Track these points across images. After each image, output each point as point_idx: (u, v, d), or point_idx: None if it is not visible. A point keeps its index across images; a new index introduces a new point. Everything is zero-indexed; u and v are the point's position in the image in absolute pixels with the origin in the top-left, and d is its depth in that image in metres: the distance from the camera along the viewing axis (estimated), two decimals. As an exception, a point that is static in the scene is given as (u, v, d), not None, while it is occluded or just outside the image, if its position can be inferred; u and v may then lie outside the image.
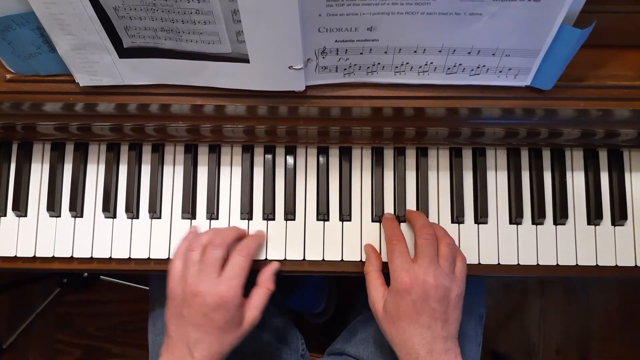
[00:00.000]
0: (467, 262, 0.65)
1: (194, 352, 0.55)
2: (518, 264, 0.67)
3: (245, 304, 0.60)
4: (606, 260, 0.67)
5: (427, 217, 0.67)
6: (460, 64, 0.53)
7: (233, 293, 0.57)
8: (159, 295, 0.74)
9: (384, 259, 0.64)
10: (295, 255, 0.67)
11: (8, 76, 0.57)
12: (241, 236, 0.64)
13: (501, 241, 0.67)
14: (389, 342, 0.59)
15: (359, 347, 0.74)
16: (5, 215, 0.68)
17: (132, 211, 0.67)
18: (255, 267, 0.65)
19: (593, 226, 0.68)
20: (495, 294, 1.45)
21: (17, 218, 0.68)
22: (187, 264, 0.59)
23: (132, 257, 0.67)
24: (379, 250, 0.66)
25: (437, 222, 0.67)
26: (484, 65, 0.53)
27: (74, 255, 0.67)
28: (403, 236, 0.62)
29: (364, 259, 0.66)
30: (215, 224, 0.68)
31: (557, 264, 0.66)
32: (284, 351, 0.76)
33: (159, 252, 0.67)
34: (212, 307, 0.56)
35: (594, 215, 0.67)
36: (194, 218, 0.68)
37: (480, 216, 0.67)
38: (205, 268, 0.58)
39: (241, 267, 0.59)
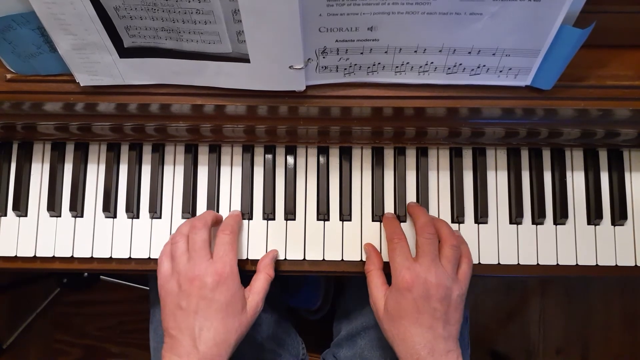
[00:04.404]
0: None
1: (199, 345, 0.53)
2: (518, 263, 0.67)
3: (246, 290, 0.60)
4: (606, 260, 0.67)
5: (428, 216, 0.67)
6: (460, 64, 0.53)
7: (229, 269, 0.57)
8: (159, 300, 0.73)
9: (385, 258, 0.64)
10: (295, 255, 0.67)
11: (8, 76, 0.57)
12: (219, 219, 0.65)
13: (501, 241, 0.67)
14: (389, 343, 0.58)
15: None
16: (5, 215, 0.68)
17: (133, 211, 0.67)
18: (255, 267, 0.65)
19: (593, 226, 0.68)
20: (495, 294, 1.45)
21: (18, 218, 0.68)
22: (175, 257, 0.58)
23: (132, 257, 0.67)
24: (379, 250, 0.66)
25: (437, 222, 0.67)
26: (484, 65, 0.53)
27: (74, 255, 0.67)
28: (404, 235, 0.61)
29: (364, 259, 0.66)
30: (215, 223, 0.68)
31: (557, 264, 0.66)
32: (283, 357, 0.75)
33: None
34: (212, 286, 0.55)
35: (594, 215, 0.67)
36: (194, 218, 0.68)
37: (481, 216, 0.67)
38: (195, 254, 0.57)
39: (229, 243, 0.59)
